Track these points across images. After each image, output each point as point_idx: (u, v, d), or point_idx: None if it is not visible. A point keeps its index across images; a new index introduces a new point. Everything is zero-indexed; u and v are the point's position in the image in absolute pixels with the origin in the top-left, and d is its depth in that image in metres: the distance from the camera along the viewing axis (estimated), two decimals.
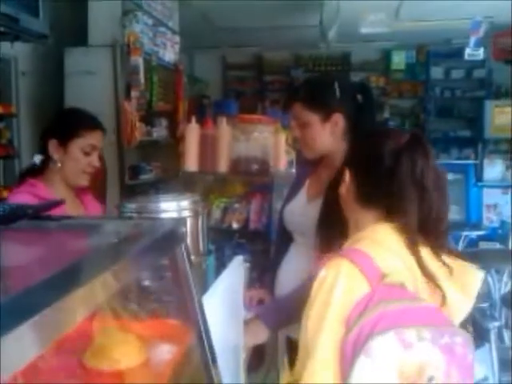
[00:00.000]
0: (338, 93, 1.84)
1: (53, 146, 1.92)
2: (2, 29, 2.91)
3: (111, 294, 0.76)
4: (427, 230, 1.22)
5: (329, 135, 1.84)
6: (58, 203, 1.08)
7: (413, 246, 1.19)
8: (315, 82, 2.03)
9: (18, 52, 3.73)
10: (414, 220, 1.20)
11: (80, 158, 1.93)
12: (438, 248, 1.23)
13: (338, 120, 1.83)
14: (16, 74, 4.03)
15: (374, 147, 1.29)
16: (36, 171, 1.97)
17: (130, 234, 0.98)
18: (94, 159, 1.97)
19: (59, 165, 1.93)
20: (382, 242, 1.19)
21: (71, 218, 1.13)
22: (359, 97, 1.86)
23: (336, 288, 1.11)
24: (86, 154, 1.94)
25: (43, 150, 1.95)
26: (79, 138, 1.92)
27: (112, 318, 1.03)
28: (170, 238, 1.03)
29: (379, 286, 1.10)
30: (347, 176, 1.31)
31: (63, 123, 2.02)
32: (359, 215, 1.29)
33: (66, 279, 0.66)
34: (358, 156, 1.34)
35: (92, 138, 1.95)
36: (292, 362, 2.14)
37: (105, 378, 0.97)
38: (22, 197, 1.83)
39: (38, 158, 1.96)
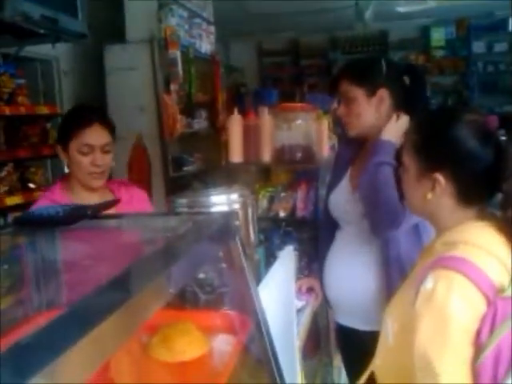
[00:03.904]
0: (384, 69, 1.84)
1: (58, 151, 1.89)
2: (42, 31, 2.99)
3: (175, 288, 0.78)
4: None
5: (374, 111, 1.84)
6: (114, 202, 1.11)
7: None
8: (361, 59, 2.07)
9: (59, 52, 3.81)
10: None
11: (80, 159, 1.83)
12: None
13: (384, 95, 1.83)
14: (58, 74, 4.12)
15: (468, 141, 1.16)
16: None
17: (187, 230, 1.00)
18: (97, 158, 1.83)
19: (66, 170, 1.88)
20: (483, 246, 1.11)
21: (127, 216, 1.16)
22: (406, 78, 1.85)
23: (452, 305, 1.04)
24: (85, 154, 1.82)
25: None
26: (73, 139, 1.83)
27: (174, 311, 1.05)
28: (224, 231, 1.05)
29: (498, 301, 1.03)
30: (441, 180, 1.18)
31: (61, 126, 1.96)
32: (454, 214, 1.20)
33: (135, 277, 0.68)
34: (452, 155, 1.19)
35: (86, 137, 1.82)
36: (344, 349, 2.15)
37: (169, 369, 0.99)
38: (41, 201, 1.84)
39: (65, 162, 1.91)
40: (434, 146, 1.21)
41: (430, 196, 1.21)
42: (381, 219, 1.74)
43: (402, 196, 1.63)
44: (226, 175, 3.02)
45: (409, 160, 1.25)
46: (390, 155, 1.73)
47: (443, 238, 1.21)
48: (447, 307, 1.05)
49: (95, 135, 1.83)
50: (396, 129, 1.78)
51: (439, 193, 1.20)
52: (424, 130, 1.26)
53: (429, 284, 1.08)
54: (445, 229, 1.22)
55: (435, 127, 1.23)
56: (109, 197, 1.91)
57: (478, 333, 1.02)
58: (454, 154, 1.18)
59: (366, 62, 2.04)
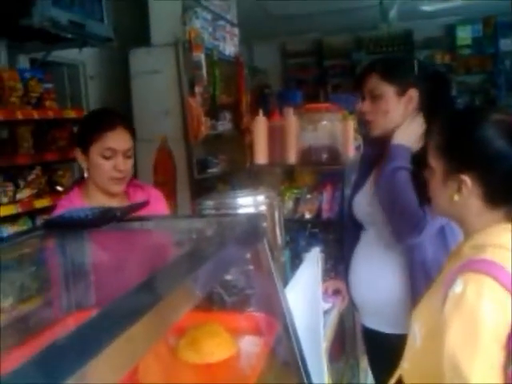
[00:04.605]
0: (416, 69, 1.81)
1: (77, 154, 1.84)
2: (69, 36, 3.05)
3: (203, 291, 0.78)
4: None
5: (402, 110, 1.81)
6: (143, 205, 1.12)
7: None
8: (392, 57, 2.05)
9: (85, 57, 3.87)
10: None
11: (102, 163, 1.79)
12: None
13: (413, 96, 1.80)
14: (85, 79, 4.19)
15: (495, 141, 1.14)
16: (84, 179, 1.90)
17: (215, 232, 1.00)
18: (119, 163, 1.80)
19: (86, 174, 1.84)
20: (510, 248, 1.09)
21: (155, 218, 1.16)
22: (431, 82, 1.83)
23: (482, 309, 1.02)
24: (107, 158, 1.79)
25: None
26: (96, 142, 1.79)
27: (201, 312, 1.05)
28: (252, 233, 1.05)
29: None
30: (467, 181, 1.16)
31: (81, 129, 1.93)
32: (482, 216, 1.18)
33: (164, 280, 0.68)
34: (478, 155, 1.16)
35: (109, 141, 1.78)
36: (370, 351, 2.14)
37: (197, 371, 0.99)
38: (60, 208, 1.79)
39: (84, 165, 1.86)
40: (459, 146, 1.19)
41: (456, 198, 1.19)
42: (402, 226, 1.72)
43: (421, 200, 1.61)
44: (250, 177, 3.02)
45: (434, 161, 1.23)
46: (405, 159, 1.71)
47: (471, 241, 1.19)
48: (477, 311, 1.03)
49: (118, 139, 1.81)
50: (408, 132, 1.75)
51: (466, 194, 1.18)
52: (449, 130, 1.24)
53: (458, 288, 1.06)
54: (473, 231, 1.20)
55: (461, 128, 1.21)
56: (126, 202, 1.87)
57: (510, 337, 1.00)
58: (481, 154, 1.16)
59: (397, 59, 2.02)
